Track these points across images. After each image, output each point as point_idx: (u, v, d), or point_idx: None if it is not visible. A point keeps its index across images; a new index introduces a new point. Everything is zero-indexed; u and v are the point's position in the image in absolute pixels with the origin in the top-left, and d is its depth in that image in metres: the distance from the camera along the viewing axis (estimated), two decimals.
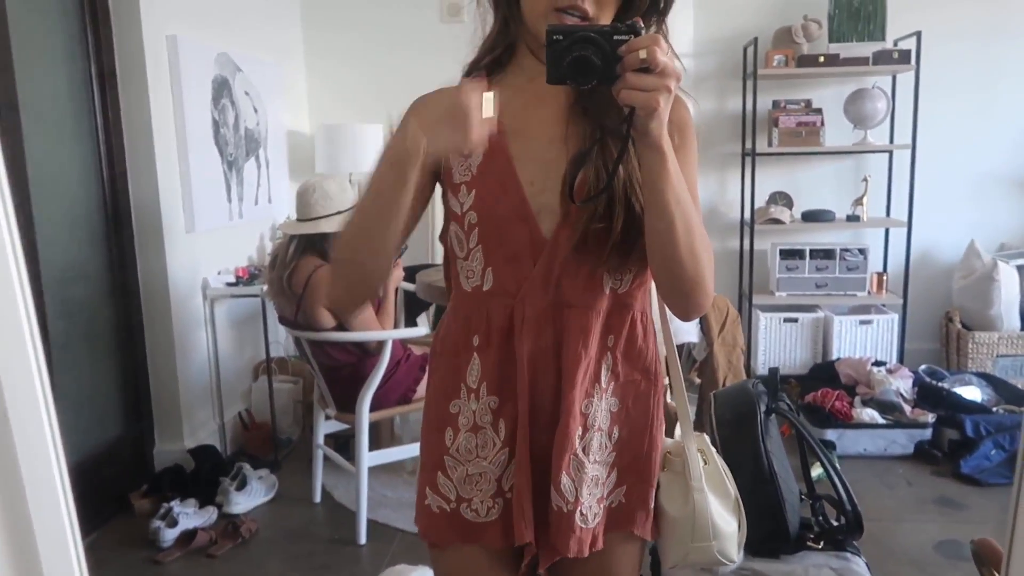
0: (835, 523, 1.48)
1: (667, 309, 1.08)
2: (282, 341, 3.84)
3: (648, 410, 1.07)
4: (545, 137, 1.01)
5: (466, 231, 1.01)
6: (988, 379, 3.61)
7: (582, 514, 1.03)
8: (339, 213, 2.66)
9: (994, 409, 3.34)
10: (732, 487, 1.10)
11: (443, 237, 1.09)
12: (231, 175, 3.53)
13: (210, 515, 2.83)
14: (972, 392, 3.46)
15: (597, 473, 1.05)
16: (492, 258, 1.01)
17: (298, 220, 2.68)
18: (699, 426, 3.05)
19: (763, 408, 1.46)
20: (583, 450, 1.03)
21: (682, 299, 0.98)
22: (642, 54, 0.80)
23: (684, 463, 1.08)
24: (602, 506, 1.06)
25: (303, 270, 2.62)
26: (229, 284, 3.33)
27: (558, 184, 0.96)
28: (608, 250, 0.97)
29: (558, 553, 1.04)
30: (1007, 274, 3.81)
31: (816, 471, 1.57)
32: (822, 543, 1.43)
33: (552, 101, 1.01)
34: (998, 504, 2.82)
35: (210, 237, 3.35)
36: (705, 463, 1.09)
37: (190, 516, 2.75)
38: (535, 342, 1.01)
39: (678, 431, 1.14)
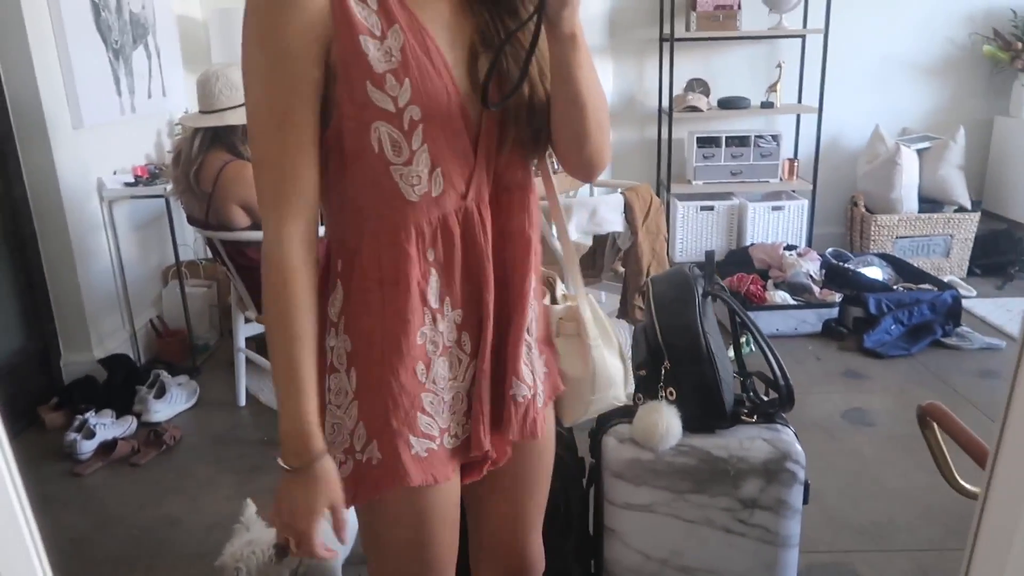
0: (765, 398, 1.54)
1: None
2: (191, 244, 3.65)
3: (541, 278, 1.08)
4: (449, 15, 0.91)
5: (407, 130, 0.86)
6: (888, 259, 3.81)
7: (538, 396, 1.03)
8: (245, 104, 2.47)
9: (894, 287, 3.54)
10: (613, 331, 1.12)
11: (352, 143, 0.89)
12: (118, 65, 3.22)
13: (129, 425, 2.73)
14: (874, 272, 3.65)
15: (536, 351, 1.04)
16: (440, 158, 0.89)
17: (201, 112, 2.49)
18: (623, 313, 3.07)
19: (700, 291, 1.48)
20: (528, 332, 1.01)
21: (588, 166, 0.97)
22: None
23: (578, 325, 1.09)
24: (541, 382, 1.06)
25: (211, 166, 2.46)
26: (128, 184, 3.10)
27: (465, 68, 0.90)
28: (536, 130, 0.94)
29: (517, 443, 1.04)
30: (908, 158, 3.96)
31: (746, 349, 1.62)
32: (755, 417, 1.49)
33: None
34: (897, 373, 3.03)
35: (101, 133, 3.08)
36: (593, 318, 1.11)
37: (108, 427, 2.65)
38: (493, 235, 0.96)
39: (560, 297, 1.17)
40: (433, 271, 0.93)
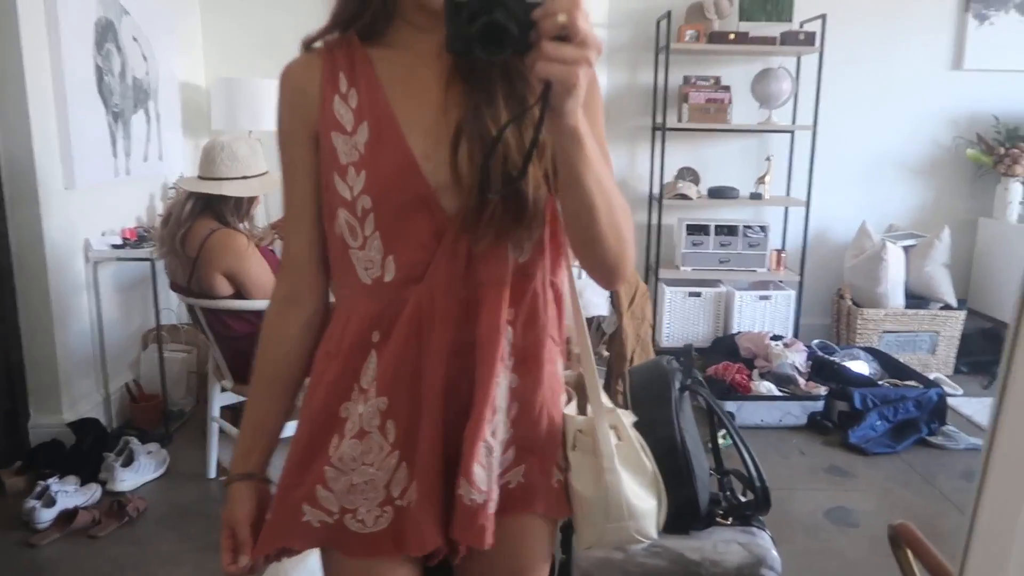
0: (743, 499, 1.50)
1: (573, 279, 1.05)
2: (174, 308, 3.62)
3: (542, 382, 1.00)
4: (433, 104, 0.92)
5: (360, 217, 0.91)
6: (874, 353, 3.81)
7: (493, 500, 0.97)
8: (244, 178, 2.50)
9: (879, 382, 3.52)
10: (650, 462, 1.03)
11: (327, 224, 0.97)
12: (117, 128, 3.27)
13: (93, 493, 2.64)
14: (860, 366, 3.64)
15: (498, 455, 0.98)
16: (393, 245, 0.91)
17: (200, 178, 2.51)
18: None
19: (677, 385, 1.46)
20: (492, 434, 0.96)
21: (606, 272, 0.93)
22: (561, 18, 0.73)
23: (594, 442, 1.01)
24: (498, 487, 0.99)
25: (198, 232, 2.46)
26: (115, 246, 3.09)
27: (445, 156, 0.90)
28: (517, 225, 0.91)
29: (469, 548, 0.97)
30: (894, 254, 4.00)
31: (723, 441, 1.58)
32: (730, 519, 1.45)
33: (433, 62, 0.93)
34: (882, 472, 2.98)
35: (93, 195, 3.09)
36: (619, 439, 1.03)
37: (70, 495, 2.56)
38: (450, 330, 0.93)
39: (589, 408, 1.10)
40: (373, 352, 0.95)
